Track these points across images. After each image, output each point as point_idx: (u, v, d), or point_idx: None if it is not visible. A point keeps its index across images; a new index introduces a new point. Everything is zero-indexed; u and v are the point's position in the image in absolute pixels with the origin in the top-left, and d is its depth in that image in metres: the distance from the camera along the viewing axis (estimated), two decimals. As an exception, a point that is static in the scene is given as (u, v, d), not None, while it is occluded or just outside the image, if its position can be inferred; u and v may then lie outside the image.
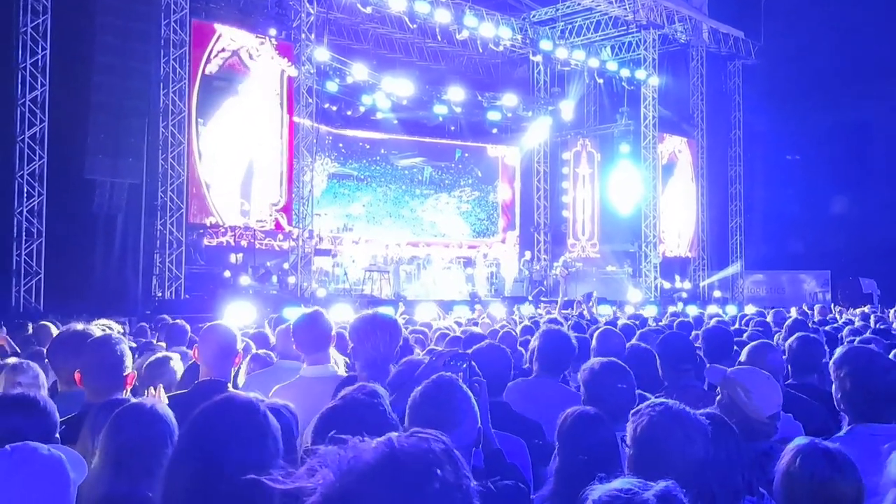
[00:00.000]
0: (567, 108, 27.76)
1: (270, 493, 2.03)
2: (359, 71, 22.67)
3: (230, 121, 19.91)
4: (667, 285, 27.29)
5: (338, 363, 4.55)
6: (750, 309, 17.35)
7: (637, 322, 9.98)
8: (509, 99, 26.32)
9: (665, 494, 1.78)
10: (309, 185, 20.54)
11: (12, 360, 4.72)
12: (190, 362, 5.28)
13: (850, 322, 10.90)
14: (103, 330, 4.87)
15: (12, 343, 7.14)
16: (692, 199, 29.61)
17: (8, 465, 2.14)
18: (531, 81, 28.38)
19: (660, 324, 10.05)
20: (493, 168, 29.26)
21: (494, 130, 27.88)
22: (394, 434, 1.44)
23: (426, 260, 25.02)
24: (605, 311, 17.92)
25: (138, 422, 2.63)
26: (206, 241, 19.70)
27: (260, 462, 2.07)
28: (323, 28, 21.71)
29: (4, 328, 7.86)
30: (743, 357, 4.66)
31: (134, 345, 5.92)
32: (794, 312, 13.93)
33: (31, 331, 8.37)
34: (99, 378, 3.64)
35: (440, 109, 25.43)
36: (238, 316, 12.05)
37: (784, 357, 5.24)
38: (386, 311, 14.01)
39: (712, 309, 19.17)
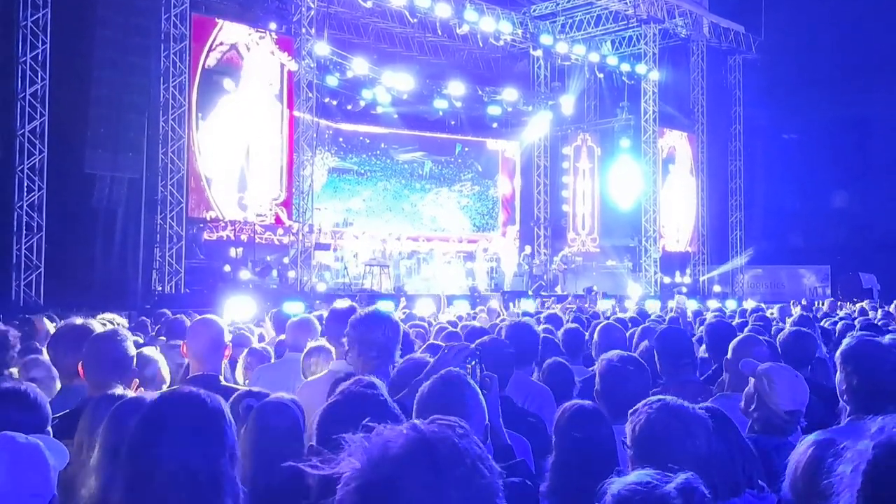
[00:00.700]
0: (567, 103, 27.74)
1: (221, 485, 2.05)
2: (359, 65, 22.65)
3: (230, 115, 19.90)
4: (667, 280, 27.30)
5: None
6: (749, 304, 17.39)
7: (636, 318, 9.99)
8: (509, 93, 26.28)
9: (686, 487, 1.79)
10: (309, 180, 20.55)
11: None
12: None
13: (848, 317, 10.91)
14: (104, 324, 4.87)
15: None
16: (692, 193, 29.61)
17: None
18: (531, 76, 28.36)
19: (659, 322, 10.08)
20: (493, 162, 29.24)
21: (495, 125, 27.84)
22: (417, 421, 1.47)
23: (427, 254, 25.04)
24: (604, 306, 17.94)
25: (137, 415, 2.64)
26: (205, 236, 19.71)
27: (204, 457, 2.08)
28: (323, 22, 21.69)
29: None
30: (729, 353, 4.66)
31: (140, 340, 5.92)
32: (796, 309, 13.94)
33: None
34: (102, 373, 3.63)
35: (440, 104, 25.40)
36: (238, 310, 12.08)
37: (778, 351, 5.26)
38: (386, 305, 14.04)
39: (712, 304, 19.21)
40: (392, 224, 26.31)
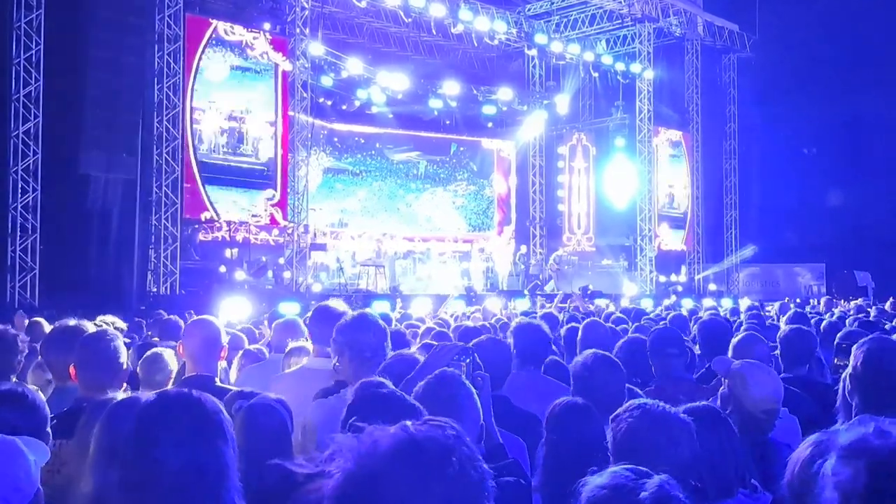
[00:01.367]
0: (562, 102, 27.77)
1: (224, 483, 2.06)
2: (353, 65, 22.65)
3: (224, 115, 19.86)
4: (662, 279, 27.33)
5: None
6: (745, 302, 17.41)
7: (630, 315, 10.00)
8: (504, 93, 26.30)
9: (660, 495, 1.77)
10: (304, 180, 20.53)
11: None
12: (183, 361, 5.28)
13: (844, 315, 10.93)
14: (97, 325, 4.86)
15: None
16: (687, 192, 29.66)
17: None
18: (526, 75, 28.38)
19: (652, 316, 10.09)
20: (488, 162, 29.25)
21: (490, 124, 27.86)
22: (407, 422, 1.48)
23: (422, 254, 25.05)
24: (601, 305, 17.95)
25: (133, 415, 2.64)
26: (200, 237, 19.70)
27: (208, 452, 2.08)
28: (317, 22, 21.66)
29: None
30: (730, 351, 4.66)
31: (128, 340, 5.91)
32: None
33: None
34: (93, 373, 3.64)
35: (435, 103, 25.41)
36: (233, 311, 12.08)
37: (777, 349, 5.26)
38: (382, 305, 14.02)
39: (707, 302, 19.24)
40: (387, 224, 26.31)
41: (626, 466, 1.88)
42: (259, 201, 20.37)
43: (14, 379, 4.34)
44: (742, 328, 7.22)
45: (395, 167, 27.53)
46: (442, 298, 18.52)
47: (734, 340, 4.80)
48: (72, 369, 3.68)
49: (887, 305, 15.05)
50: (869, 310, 13.36)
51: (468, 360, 3.14)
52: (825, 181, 31.87)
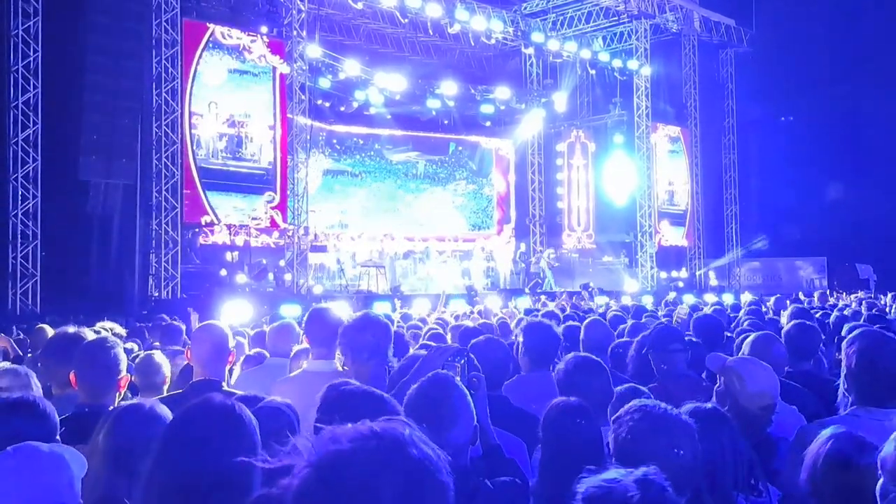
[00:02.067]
0: (560, 100, 27.78)
1: (249, 495, 2.06)
2: (351, 67, 22.66)
3: (224, 120, 19.86)
4: (663, 275, 27.34)
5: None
6: (746, 297, 17.40)
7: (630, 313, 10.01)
8: (502, 92, 26.30)
9: (644, 479, 1.81)
10: (303, 182, 20.53)
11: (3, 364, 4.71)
12: (184, 364, 5.29)
13: (845, 308, 10.91)
14: (97, 332, 4.88)
15: (15, 346, 7.14)
16: (687, 187, 29.65)
17: (13, 465, 2.19)
18: (524, 74, 28.38)
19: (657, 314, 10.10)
20: (487, 161, 29.26)
21: (488, 123, 27.85)
22: (367, 420, 1.48)
23: (422, 254, 25.06)
24: (601, 302, 17.96)
25: (137, 422, 2.65)
26: (201, 240, 19.68)
27: (238, 464, 2.09)
28: (314, 24, 21.66)
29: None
30: (745, 349, 4.63)
31: (129, 346, 5.93)
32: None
33: (20, 335, 8.39)
34: (93, 380, 3.67)
35: (433, 103, 25.41)
36: (235, 314, 12.09)
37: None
38: (383, 306, 14.02)
39: (709, 297, 19.23)
40: (387, 224, 26.30)
41: (620, 469, 1.90)
42: (259, 204, 20.37)
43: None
44: (745, 324, 7.21)
45: (394, 167, 27.54)
46: (445, 297, 18.51)
47: (749, 339, 4.76)
48: (72, 376, 3.71)
49: (890, 297, 15.05)
50: (864, 303, 13.32)
51: (463, 361, 3.14)
52: (825, 174, 31.89)
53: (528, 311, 11.50)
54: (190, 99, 19.26)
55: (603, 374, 3.81)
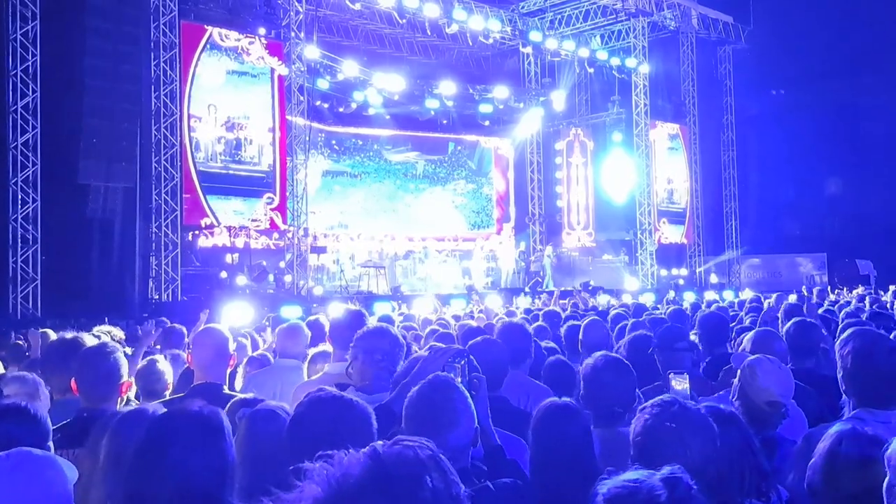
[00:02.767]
0: (558, 99, 27.77)
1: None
2: (349, 67, 22.65)
3: (222, 121, 19.85)
4: (663, 273, 27.33)
5: None
6: (746, 294, 17.40)
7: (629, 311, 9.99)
8: (500, 91, 26.29)
9: (670, 477, 1.80)
10: (303, 183, 20.53)
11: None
12: (184, 367, 5.29)
13: (846, 305, 10.91)
14: (97, 337, 4.88)
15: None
16: (686, 184, 29.65)
17: (7, 469, 2.18)
18: (522, 73, 28.40)
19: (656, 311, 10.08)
20: (486, 160, 29.28)
21: (486, 123, 27.85)
22: (378, 444, 1.43)
23: (422, 254, 25.05)
24: (602, 301, 17.94)
25: (139, 427, 2.66)
26: (201, 243, 19.68)
27: (204, 475, 2.09)
28: (312, 26, 21.66)
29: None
30: (746, 346, 4.63)
31: (130, 350, 5.92)
32: (792, 298, 13.92)
33: (17, 339, 8.37)
34: (94, 386, 3.68)
35: (432, 103, 25.40)
36: (236, 316, 12.06)
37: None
38: (383, 307, 13.98)
39: (710, 295, 19.23)
40: (387, 225, 26.32)
41: (642, 471, 1.88)
42: (259, 206, 20.36)
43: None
44: (748, 321, 7.21)
45: (394, 168, 27.55)
46: (442, 298, 18.50)
47: (749, 336, 4.77)
48: (73, 382, 3.72)
49: (890, 293, 15.05)
50: (867, 298, 13.32)
51: (463, 363, 3.13)
52: (824, 170, 31.88)
53: (527, 311, 11.48)
54: (189, 101, 19.24)
55: (629, 375, 3.80)
